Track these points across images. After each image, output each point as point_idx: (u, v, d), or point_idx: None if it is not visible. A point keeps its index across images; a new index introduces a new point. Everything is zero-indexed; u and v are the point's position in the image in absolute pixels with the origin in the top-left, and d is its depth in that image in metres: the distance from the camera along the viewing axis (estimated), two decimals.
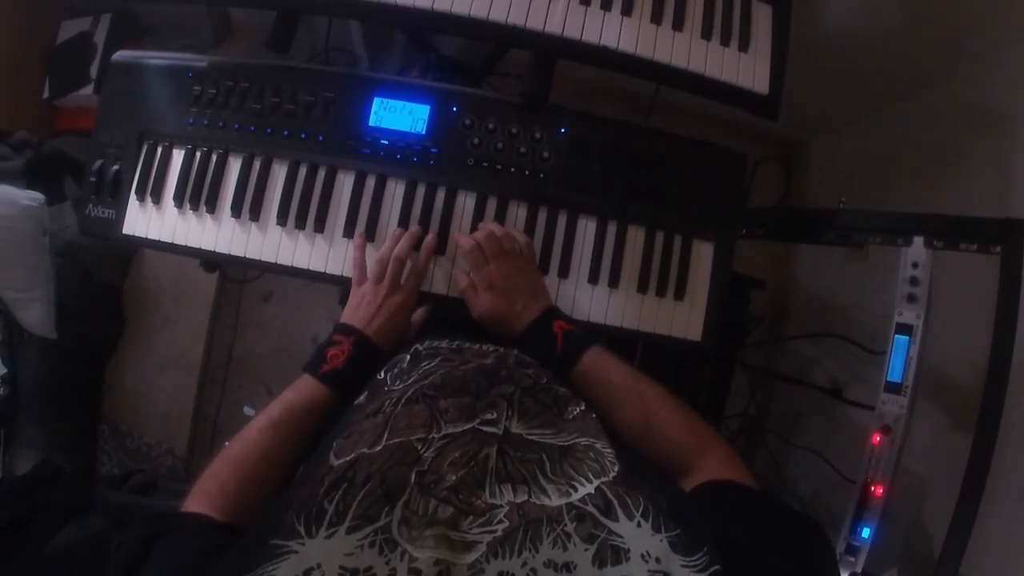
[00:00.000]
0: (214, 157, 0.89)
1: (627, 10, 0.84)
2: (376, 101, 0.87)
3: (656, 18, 0.85)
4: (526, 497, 0.38)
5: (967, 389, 1.04)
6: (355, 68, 1.68)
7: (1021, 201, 1.06)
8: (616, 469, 0.42)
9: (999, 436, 0.83)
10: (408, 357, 0.62)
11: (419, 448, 0.42)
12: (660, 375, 0.68)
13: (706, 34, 0.86)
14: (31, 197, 1.43)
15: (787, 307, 1.84)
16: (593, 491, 0.39)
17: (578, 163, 0.88)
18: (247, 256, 0.87)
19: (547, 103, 0.88)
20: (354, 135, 0.87)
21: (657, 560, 0.34)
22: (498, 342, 0.68)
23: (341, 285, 0.86)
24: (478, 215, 0.87)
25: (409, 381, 0.54)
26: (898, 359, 0.95)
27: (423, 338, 0.68)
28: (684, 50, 0.85)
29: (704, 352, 0.89)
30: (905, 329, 0.95)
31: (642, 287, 0.88)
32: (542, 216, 0.88)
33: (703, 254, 0.90)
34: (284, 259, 0.87)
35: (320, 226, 0.87)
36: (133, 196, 0.89)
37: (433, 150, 0.87)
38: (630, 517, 0.37)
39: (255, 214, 0.87)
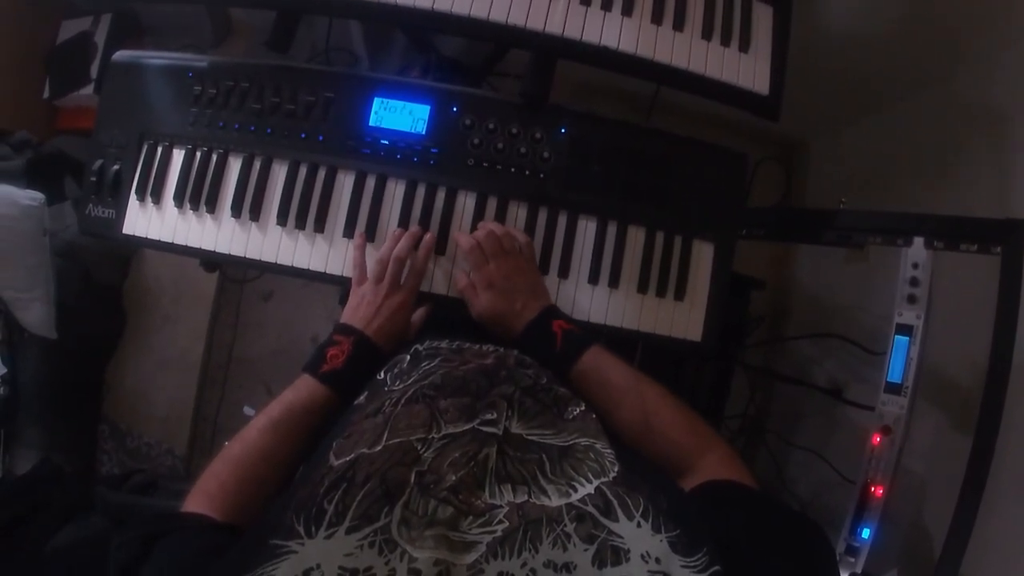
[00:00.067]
0: (214, 157, 0.89)
1: (627, 10, 0.84)
2: (376, 101, 0.87)
3: (656, 18, 0.85)
4: (526, 497, 0.38)
5: (967, 390, 1.04)
6: (355, 68, 1.68)
7: (1021, 201, 1.06)
8: (616, 469, 0.42)
9: (999, 436, 0.83)
10: (408, 357, 0.62)
11: (419, 448, 0.42)
12: (660, 375, 0.68)
13: (706, 34, 0.86)
14: (31, 197, 1.43)
15: (787, 307, 1.84)
16: (593, 491, 0.39)
17: (578, 163, 0.88)
18: (247, 256, 0.87)
19: (547, 103, 0.88)
20: (354, 135, 0.87)
21: (657, 560, 0.34)
22: (498, 342, 0.68)
23: (341, 285, 0.86)
24: (478, 215, 0.87)
25: (409, 381, 0.54)
26: (898, 360, 0.95)
27: (423, 338, 0.68)
28: (684, 50, 0.85)
29: (704, 352, 0.89)
30: (905, 330, 0.95)
31: (642, 287, 0.88)
32: (542, 216, 0.88)
33: (703, 254, 0.90)
34: (284, 259, 0.87)
35: (320, 226, 0.87)
36: (133, 196, 0.89)
37: (433, 150, 0.87)
38: (630, 517, 0.37)
39: (255, 214, 0.87)
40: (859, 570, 0.93)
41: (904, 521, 1.07)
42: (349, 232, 0.86)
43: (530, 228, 0.87)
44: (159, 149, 0.90)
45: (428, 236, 0.82)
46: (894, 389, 0.95)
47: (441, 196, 0.87)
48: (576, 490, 0.39)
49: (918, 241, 0.95)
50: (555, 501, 0.38)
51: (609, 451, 0.44)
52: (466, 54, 1.42)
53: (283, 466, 0.62)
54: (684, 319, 0.89)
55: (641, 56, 0.84)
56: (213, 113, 0.89)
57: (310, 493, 0.38)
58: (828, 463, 1.36)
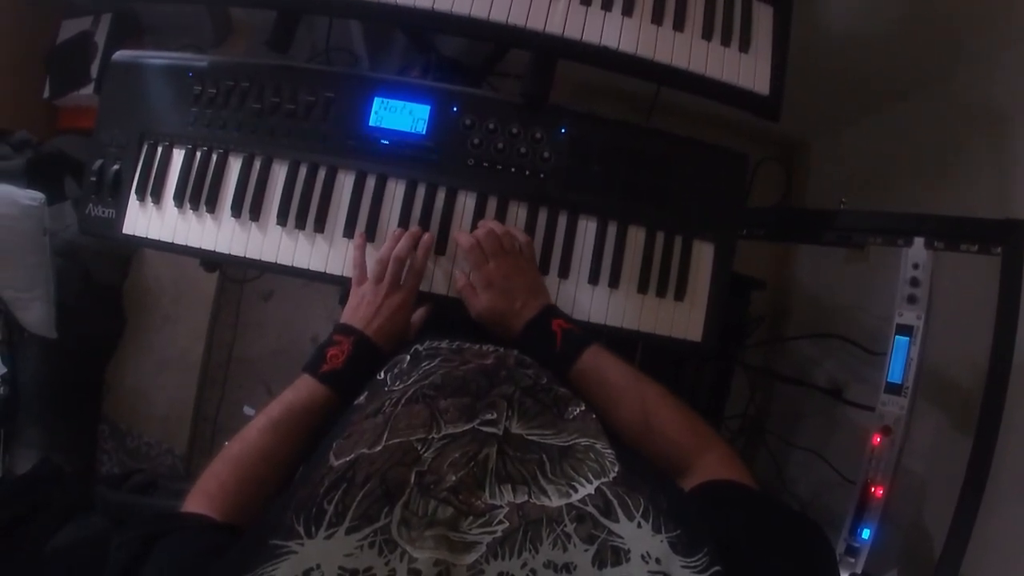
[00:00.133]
0: (214, 157, 0.89)
1: (628, 10, 0.84)
2: (376, 101, 0.87)
3: (657, 18, 0.85)
4: (526, 498, 0.38)
5: (967, 390, 1.04)
6: (355, 68, 1.68)
7: (1021, 201, 1.06)
8: (616, 469, 0.42)
9: (999, 437, 0.83)
10: (408, 357, 0.62)
11: (419, 448, 0.42)
12: (660, 375, 0.68)
13: (707, 35, 0.86)
14: (31, 196, 1.43)
15: (787, 307, 1.84)
16: (593, 492, 0.39)
17: (578, 163, 0.88)
18: (247, 256, 0.87)
19: (547, 103, 0.88)
20: (354, 135, 0.87)
21: (657, 561, 0.34)
22: (498, 342, 0.68)
23: (341, 285, 0.86)
24: (478, 215, 0.87)
25: (409, 381, 0.54)
26: (898, 360, 0.95)
27: (423, 338, 0.68)
28: (685, 51, 0.85)
29: (704, 352, 0.89)
30: (905, 330, 0.95)
31: (642, 287, 0.88)
32: (542, 216, 0.88)
33: (703, 254, 0.90)
34: (284, 259, 0.87)
35: (320, 226, 0.87)
36: (133, 196, 0.89)
37: (433, 150, 0.87)
38: (630, 518, 0.37)
39: (255, 214, 0.87)
40: (859, 570, 0.93)
41: (904, 521, 1.07)
42: (349, 232, 0.86)
43: (530, 228, 0.87)
44: (159, 149, 0.90)
45: (427, 236, 0.82)
46: (894, 389, 0.94)
47: (441, 196, 0.87)
48: (576, 490, 0.39)
49: (918, 241, 0.95)
50: (555, 501, 0.38)
51: (609, 451, 0.44)
52: (466, 54, 1.42)
53: (283, 466, 0.62)
54: (684, 319, 0.89)
55: (641, 56, 0.84)
56: (213, 113, 0.89)
57: (310, 493, 0.38)
58: (828, 463, 1.36)
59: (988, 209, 0.96)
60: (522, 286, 0.77)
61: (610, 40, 0.83)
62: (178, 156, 0.89)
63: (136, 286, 1.87)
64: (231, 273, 1.91)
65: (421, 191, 0.87)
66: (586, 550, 0.34)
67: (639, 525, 0.36)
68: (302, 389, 0.66)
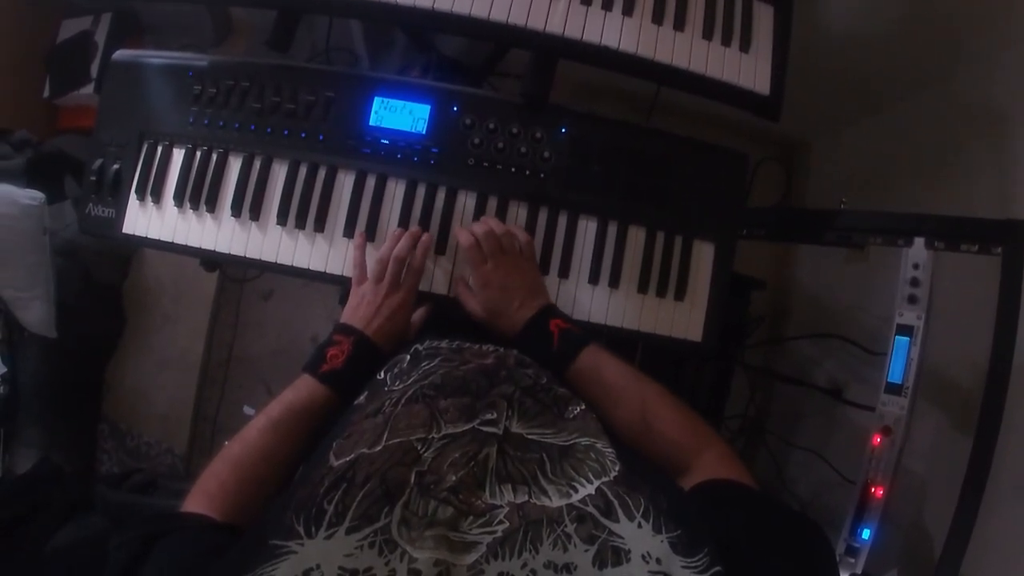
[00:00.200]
0: (214, 156, 0.89)
1: (628, 10, 0.84)
2: (376, 101, 0.87)
3: (657, 18, 0.85)
4: (526, 498, 0.38)
5: (967, 390, 1.04)
6: (356, 68, 1.68)
7: (1021, 202, 1.06)
8: (617, 469, 0.42)
9: (999, 437, 0.83)
10: (408, 357, 0.62)
11: (419, 448, 0.42)
12: (660, 375, 0.68)
13: (707, 34, 0.86)
14: (31, 196, 1.43)
15: (787, 307, 1.84)
16: (594, 492, 0.39)
17: (579, 163, 0.88)
18: (247, 256, 0.87)
19: (548, 103, 0.88)
20: (354, 135, 0.87)
21: (658, 561, 0.34)
22: (498, 342, 0.68)
23: (341, 285, 0.86)
24: (479, 215, 0.87)
25: (409, 381, 0.54)
26: (899, 360, 0.95)
27: (423, 338, 0.68)
28: (685, 50, 0.85)
29: (704, 352, 0.89)
30: (906, 330, 0.95)
31: (642, 287, 0.88)
32: (542, 216, 0.88)
33: (703, 254, 0.90)
34: (284, 259, 0.87)
35: (320, 226, 0.87)
36: (133, 195, 0.89)
37: (434, 150, 0.87)
38: (631, 518, 0.37)
39: (255, 213, 0.87)
40: (859, 570, 0.93)
41: (904, 521, 1.07)
42: (349, 232, 0.86)
43: (530, 228, 0.87)
44: (159, 148, 0.90)
45: (425, 236, 0.82)
46: (894, 389, 0.94)
47: (441, 196, 0.87)
48: (577, 491, 0.39)
49: (919, 241, 0.95)
50: (556, 502, 0.38)
51: (610, 450, 0.44)
52: (467, 54, 1.42)
53: (283, 466, 0.62)
54: (684, 319, 0.89)
55: (642, 56, 0.84)
56: (213, 112, 0.89)
57: (310, 493, 0.38)
58: (828, 463, 1.36)
59: (988, 209, 0.97)
60: (520, 286, 0.77)
61: (610, 40, 0.83)
62: (178, 156, 0.89)
63: (136, 286, 1.87)
64: (231, 273, 1.91)
65: (421, 191, 0.87)
66: (586, 550, 0.34)
67: (639, 525, 0.36)
68: (302, 389, 0.66)
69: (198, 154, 0.89)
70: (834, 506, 1.26)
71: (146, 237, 0.89)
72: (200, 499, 0.56)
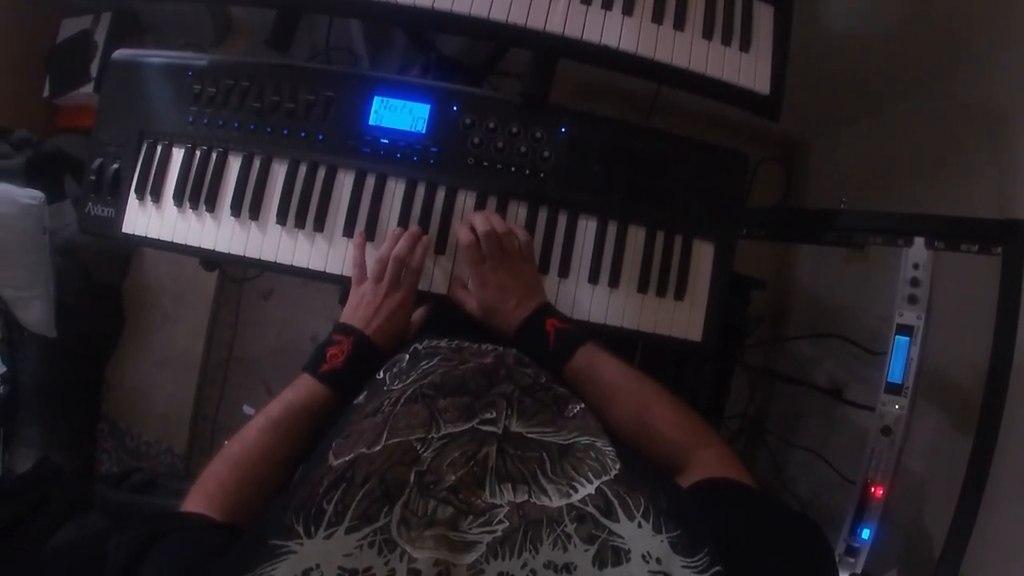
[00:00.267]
0: (214, 156, 0.89)
1: (628, 9, 0.84)
2: (376, 100, 0.87)
3: (657, 18, 0.85)
4: (526, 497, 0.38)
5: (967, 390, 1.04)
6: (355, 67, 1.68)
7: (1021, 202, 1.06)
8: (617, 468, 0.42)
9: (999, 437, 0.83)
10: (407, 357, 0.62)
11: (418, 448, 0.42)
12: (660, 375, 0.67)
13: (707, 34, 0.86)
14: (31, 195, 1.43)
15: (787, 307, 1.84)
16: (594, 491, 0.39)
17: (578, 163, 0.87)
18: (247, 255, 0.87)
19: (548, 103, 0.88)
20: (354, 134, 0.87)
21: (658, 561, 0.34)
22: (498, 341, 0.68)
23: (341, 284, 0.86)
24: None
25: (408, 381, 0.54)
26: (899, 360, 0.95)
27: (422, 338, 0.68)
28: (685, 50, 0.85)
29: (704, 352, 0.89)
30: (906, 330, 0.95)
31: (642, 287, 0.88)
32: (542, 216, 0.88)
33: (703, 254, 0.90)
34: (284, 258, 0.87)
35: (320, 225, 0.87)
36: (133, 195, 0.89)
37: (433, 149, 0.87)
38: (631, 518, 0.37)
39: (255, 213, 0.87)
40: (859, 570, 0.93)
41: (904, 521, 1.07)
42: (349, 231, 0.86)
43: (530, 227, 0.87)
44: (159, 148, 0.90)
45: (424, 239, 0.82)
46: (894, 389, 0.94)
47: (441, 195, 0.87)
48: (576, 490, 0.39)
49: (919, 241, 0.95)
50: (556, 502, 0.38)
51: (609, 449, 0.44)
52: (466, 53, 1.42)
53: (282, 466, 0.61)
54: (684, 319, 0.88)
55: (642, 55, 0.84)
56: (213, 112, 0.88)
57: (309, 493, 0.38)
58: (828, 463, 1.36)
59: (988, 209, 0.97)
60: (517, 286, 0.77)
61: (610, 39, 0.83)
62: (177, 155, 0.89)
63: (136, 285, 1.87)
64: (231, 272, 1.91)
65: (421, 190, 0.87)
66: (586, 550, 0.34)
67: (639, 525, 0.36)
68: (302, 389, 0.66)
69: (198, 153, 0.89)
70: (834, 506, 1.26)
71: (146, 236, 0.89)
72: (199, 499, 0.56)
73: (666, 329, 0.88)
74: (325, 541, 0.34)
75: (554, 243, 0.88)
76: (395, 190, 0.87)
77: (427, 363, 0.58)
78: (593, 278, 0.87)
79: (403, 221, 0.86)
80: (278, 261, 0.87)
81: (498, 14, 0.82)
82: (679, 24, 0.85)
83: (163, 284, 1.87)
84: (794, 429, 1.62)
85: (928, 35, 1.23)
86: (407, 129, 0.87)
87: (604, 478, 0.40)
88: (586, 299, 0.87)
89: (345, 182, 0.87)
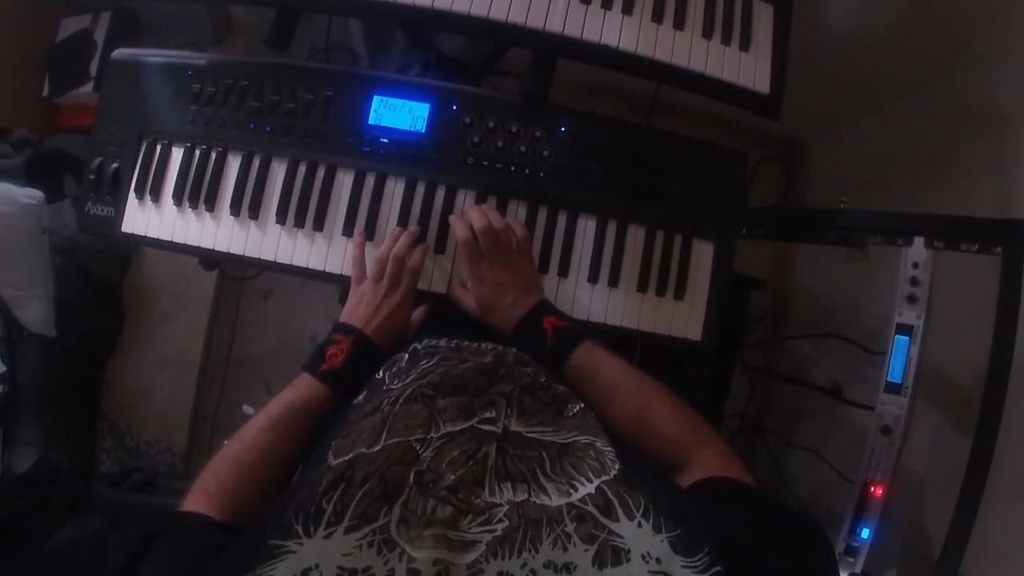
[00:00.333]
0: (213, 155, 0.89)
1: (628, 9, 0.84)
2: (376, 99, 0.87)
3: (657, 17, 0.85)
4: (526, 496, 0.38)
5: (967, 390, 1.04)
6: (355, 66, 1.68)
7: (1021, 202, 1.06)
8: (616, 467, 0.42)
9: (999, 437, 0.83)
10: (406, 356, 0.62)
11: (417, 448, 0.42)
12: (660, 374, 0.67)
13: (707, 33, 0.86)
14: (30, 195, 1.43)
15: (787, 307, 1.84)
16: (593, 491, 0.39)
17: (578, 162, 0.87)
18: (246, 254, 0.87)
19: (547, 102, 0.88)
20: (354, 133, 0.87)
21: (658, 561, 0.34)
22: (497, 340, 0.68)
23: (340, 283, 0.86)
24: None
25: (407, 380, 0.54)
26: (898, 359, 0.95)
27: (422, 337, 0.68)
28: (685, 49, 0.85)
29: (704, 352, 0.89)
30: (905, 329, 0.95)
31: (642, 286, 0.88)
32: (542, 215, 0.88)
33: (703, 254, 0.90)
34: (283, 257, 0.87)
35: (319, 224, 0.87)
36: (132, 194, 0.89)
37: (433, 149, 0.87)
38: (631, 517, 0.37)
39: (254, 212, 0.87)
40: (859, 570, 0.93)
41: (904, 521, 1.07)
42: (348, 230, 0.86)
43: (530, 226, 0.87)
44: (158, 147, 0.90)
45: (423, 244, 0.82)
46: (894, 389, 0.94)
47: (440, 194, 0.87)
48: (576, 489, 0.39)
49: (918, 241, 0.95)
50: (555, 501, 0.38)
51: (609, 448, 0.44)
52: (466, 52, 1.42)
53: (282, 465, 0.61)
54: (684, 318, 0.88)
55: (641, 55, 0.83)
56: (212, 111, 0.88)
57: (309, 493, 0.38)
58: (828, 463, 1.36)
59: (988, 209, 0.97)
60: (515, 283, 0.77)
61: (610, 38, 0.83)
62: (177, 154, 0.89)
63: (135, 284, 1.86)
64: (230, 271, 1.91)
65: (420, 189, 0.87)
66: (586, 550, 0.34)
67: (639, 525, 0.36)
68: (301, 388, 0.66)
69: (197, 153, 0.89)
70: (834, 506, 1.26)
71: (145, 236, 0.89)
72: (199, 498, 0.56)
73: (666, 328, 0.88)
74: (324, 541, 0.34)
75: (554, 242, 0.88)
76: (395, 189, 0.87)
77: (426, 362, 0.58)
78: (593, 277, 0.87)
79: (403, 220, 0.86)
80: (277, 260, 0.87)
81: (498, 13, 0.81)
82: (679, 23, 0.85)
83: (162, 283, 1.87)
84: (794, 429, 1.62)
85: (928, 35, 1.23)
86: (407, 128, 0.87)
87: (604, 477, 0.40)
88: (586, 298, 0.87)
89: (345, 181, 0.87)
